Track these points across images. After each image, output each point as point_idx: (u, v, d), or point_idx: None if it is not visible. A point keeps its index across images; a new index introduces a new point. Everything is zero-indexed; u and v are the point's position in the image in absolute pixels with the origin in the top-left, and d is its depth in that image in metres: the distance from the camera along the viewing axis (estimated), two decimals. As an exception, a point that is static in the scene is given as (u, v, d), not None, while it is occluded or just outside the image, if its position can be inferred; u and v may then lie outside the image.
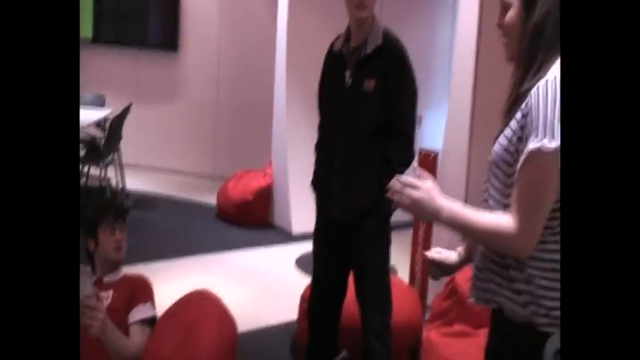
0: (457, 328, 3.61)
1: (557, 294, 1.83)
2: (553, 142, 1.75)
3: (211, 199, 7.08)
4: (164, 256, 5.55)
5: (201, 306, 3.10)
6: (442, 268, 2.25)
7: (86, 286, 2.60)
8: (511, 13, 1.95)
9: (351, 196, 3.24)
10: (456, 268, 2.25)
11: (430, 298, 4.33)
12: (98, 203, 3.38)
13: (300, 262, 5.82)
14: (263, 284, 5.24)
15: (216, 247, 6.00)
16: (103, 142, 6.75)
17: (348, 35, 3.25)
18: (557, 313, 1.84)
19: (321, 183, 3.39)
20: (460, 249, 2.23)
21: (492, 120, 2.06)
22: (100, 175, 7.02)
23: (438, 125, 5.49)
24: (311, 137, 5.95)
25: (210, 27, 8.20)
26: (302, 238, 6.21)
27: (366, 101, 3.15)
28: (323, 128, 3.41)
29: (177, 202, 7.20)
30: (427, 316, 4.12)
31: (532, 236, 1.83)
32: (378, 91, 3.12)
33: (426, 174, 1.98)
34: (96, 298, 2.72)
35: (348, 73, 3.19)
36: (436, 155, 4.44)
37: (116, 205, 3.39)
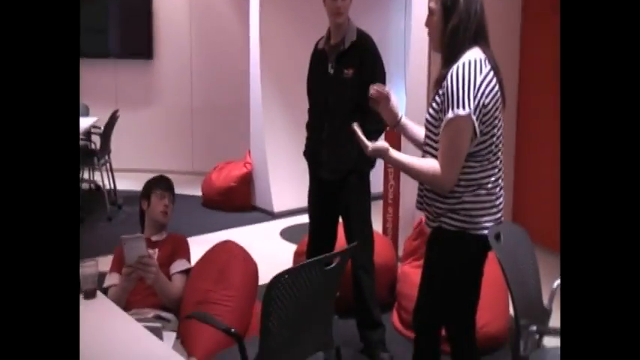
0: None
1: (479, 206, 2.54)
2: (464, 111, 2.42)
3: (195, 192, 7.47)
4: None
5: (227, 250, 3.79)
6: (389, 114, 2.85)
7: (142, 248, 3.26)
8: (432, 19, 2.62)
9: (337, 160, 3.95)
10: (392, 120, 2.86)
11: (400, 248, 4.99)
12: (155, 177, 3.91)
13: (284, 234, 6.34)
14: (254, 253, 5.23)
15: (206, 229, 6.37)
16: (98, 147, 7.09)
17: (328, 35, 3.98)
18: (481, 219, 2.55)
19: (312, 152, 4.10)
20: (407, 121, 2.88)
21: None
22: (92, 178, 7.40)
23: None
24: (285, 125, 6.69)
25: (182, 34, 8.46)
26: (283, 215, 6.76)
27: (346, 86, 3.85)
28: (312, 110, 4.11)
29: None
30: (399, 264, 4.74)
31: (452, 176, 2.52)
32: (356, 78, 3.82)
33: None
34: (149, 256, 3.33)
35: (330, 65, 3.91)
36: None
37: (166, 181, 3.85)
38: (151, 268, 3.30)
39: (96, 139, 7.20)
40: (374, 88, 2.83)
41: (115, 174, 7.52)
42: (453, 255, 2.67)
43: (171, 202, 3.74)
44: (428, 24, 2.64)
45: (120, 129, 7.88)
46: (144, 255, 3.27)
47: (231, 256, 3.74)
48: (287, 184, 6.74)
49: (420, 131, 2.76)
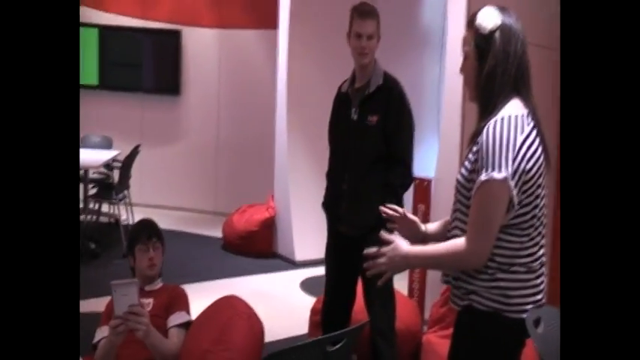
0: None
1: (517, 285, 2.21)
2: (500, 174, 2.10)
3: (216, 233, 7.35)
4: (176, 282, 5.68)
5: (232, 307, 3.50)
6: (408, 228, 2.51)
7: (133, 295, 2.98)
8: (467, 63, 2.33)
9: (358, 215, 3.67)
10: (416, 235, 2.51)
11: (427, 311, 4.70)
12: (135, 225, 3.72)
13: (305, 285, 6.14)
14: (270, 305, 5.45)
15: (224, 274, 6.29)
16: (116, 180, 7.07)
17: (353, 78, 3.73)
18: (518, 300, 2.22)
19: (331, 204, 3.82)
20: (430, 225, 2.55)
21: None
22: (111, 212, 7.38)
23: (427, 155, 5.88)
24: (310, 170, 6.45)
25: (211, 70, 8.45)
26: (305, 264, 6.57)
27: (370, 134, 3.60)
28: (333, 157, 3.85)
29: (183, 235, 7.42)
30: (425, 328, 4.45)
31: (483, 251, 2.18)
32: (380, 125, 3.58)
33: (389, 237, 2.36)
34: (140, 306, 3.05)
35: (353, 110, 3.66)
36: (430, 182, 4.89)
37: (149, 226, 3.62)
38: (141, 319, 3.01)
39: (117, 174, 7.24)
40: (385, 211, 2.56)
41: (137, 209, 7.47)
42: (484, 340, 2.32)
43: (157, 250, 3.48)
44: (463, 69, 2.37)
45: (144, 164, 8.00)
46: (135, 304, 2.99)
47: (235, 314, 3.45)
48: (311, 232, 6.50)
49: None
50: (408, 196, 3.93)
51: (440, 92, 6.63)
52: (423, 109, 6.99)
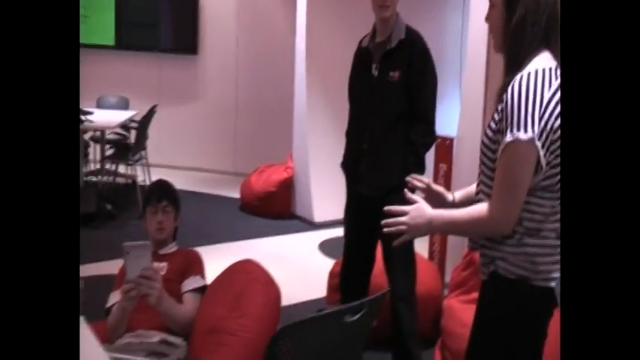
0: (476, 295, 3.78)
1: (546, 251, 2.08)
2: (526, 134, 1.95)
3: (234, 194, 7.32)
4: (192, 244, 5.67)
5: (248, 272, 3.38)
6: (434, 199, 2.38)
7: (146, 258, 2.87)
8: (494, 11, 2.16)
9: (378, 175, 3.55)
10: (444, 205, 2.38)
11: (448, 275, 4.58)
12: (149, 186, 3.61)
13: (323, 247, 6.08)
14: (289, 267, 5.45)
15: (241, 236, 6.25)
16: (133, 141, 7.03)
17: (374, 32, 3.58)
18: (547, 267, 2.09)
19: (350, 164, 3.70)
20: (457, 193, 2.42)
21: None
22: (127, 173, 7.35)
23: (449, 113, 5.74)
24: (330, 130, 6.36)
25: (229, 29, 8.38)
26: (324, 225, 6.52)
27: (392, 90, 3.47)
28: (353, 116, 3.72)
29: (201, 196, 7.41)
30: (446, 291, 4.35)
31: (509, 217, 2.04)
32: (402, 81, 3.44)
33: (413, 197, 2.22)
34: (153, 270, 2.94)
35: (374, 66, 3.52)
36: (452, 141, 4.75)
37: (161, 188, 3.50)
38: (154, 284, 2.90)
39: (134, 135, 7.20)
40: (410, 181, 2.42)
41: (155, 170, 7.43)
42: (510, 309, 2.19)
43: (168, 214, 3.35)
44: (488, 18, 2.20)
45: (161, 124, 8.03)
46: (148, 267, 2.88)
47: (251, 279, 3.33)
48: (330, 193, 6.44)
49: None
50: (430, 156, 3.81)
51: (462, 46, 6.47)
52: (445, 64, 6.87)
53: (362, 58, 3.63)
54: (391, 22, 3.49)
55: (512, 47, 2.11)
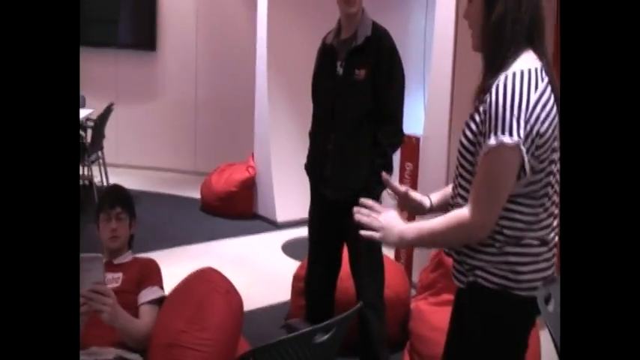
0: (445, 297, 3.71)
1: (527, 260, 2.00)
2: (511, 139, 1.86)
3: (194, 194, 7.17)
4: (152, 247, 5.50)
5: (208, 281, 3.24)
6: (413, 207, 2.34)
7: (98, 272, 2.71)
8: (472, 7, 2.06)
9: (344, 177, 3.43)
10: (422, 212, 2.33)
11: (415, 275, 4.51)
12: (103, 192, 3.48)
13: (287, 248, 5.97)
14: (251, 270, 5.35)
15: (202, 238, 6.10)
16: (88, 141, 6.85)
17: (338, 29, 3.45)
18: (528, 277, 2.01)
19: (314, 166, 3.58)
20: (433, 196, 2.33)
21: (471, 105, 2.14)
22: (84, 174, 7.07)
23: (414, 111, 5.65)
24: (292, 128, 6.24)
25: (188, 25, 8.25)
26: (287, 225, 6.41)
27: (357, 89, 3.35)
28: (317, 116, 3.59)
29: (160, 197, 7.26)
30: (413, 291, 4.28)
31: (488, 222, 1.95)
32: (369, 80, 3.32)
33: (378, 206, 2.12)
34: (106, 284, 2.80)
35: (339, 63, 3.39)
36: (418, 139, 4.65)
37: (114, 194, 3.40)
38: (106, 299, 2.74)
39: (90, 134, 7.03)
40: (385, 181, 2.35)
41: (112, 170, 7.33)
42: (490, 320, 2.10)
43: (122, 219, 3.23)
44: (467, 15, 2.10)
45: (120, 123, 7.89)
46: (99, 281, 2.72)
47: (210, 289, 3.18)
48: (293, 192, 6.36)
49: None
50: (396, 155, 3.71)
51: (425, 44, 6.38)
52: (408, 62, 6.72)
53: (326, 55, 3.51)
54: (357, 18, 3.36)
55: (492, 46, 2.01)
